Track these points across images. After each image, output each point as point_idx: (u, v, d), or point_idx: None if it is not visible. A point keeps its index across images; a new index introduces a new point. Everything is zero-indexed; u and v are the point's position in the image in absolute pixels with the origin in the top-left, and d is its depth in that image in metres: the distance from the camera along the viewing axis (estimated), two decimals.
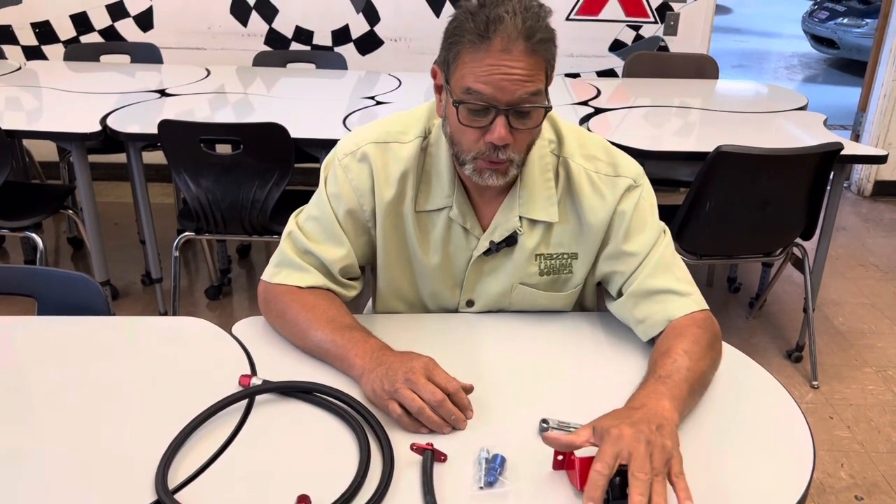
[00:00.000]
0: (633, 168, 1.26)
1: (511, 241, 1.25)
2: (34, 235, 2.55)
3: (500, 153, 1.11)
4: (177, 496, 0.89)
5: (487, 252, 1.26)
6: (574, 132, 1.28)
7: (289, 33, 3.94)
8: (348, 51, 3.94)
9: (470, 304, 1.34)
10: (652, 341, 1.21)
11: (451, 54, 1.10)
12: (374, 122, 1.29)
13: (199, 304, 3.02)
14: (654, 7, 3.93)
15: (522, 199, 1.24)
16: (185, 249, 3.43)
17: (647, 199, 1.25)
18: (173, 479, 0.92)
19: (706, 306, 1.21)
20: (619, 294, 1.27)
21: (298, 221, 1.28)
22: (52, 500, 0.90)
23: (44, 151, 3.47)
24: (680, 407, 1.01)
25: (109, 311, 1.37)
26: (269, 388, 1.08)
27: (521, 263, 1.27)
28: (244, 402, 1.06)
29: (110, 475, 0.94)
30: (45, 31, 3.89)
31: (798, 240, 2.49)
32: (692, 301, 1.21)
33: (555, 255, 1.28)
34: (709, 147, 2.18)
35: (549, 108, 1.12)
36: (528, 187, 1.23)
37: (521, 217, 1.24)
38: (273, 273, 1.26)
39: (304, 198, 1.31)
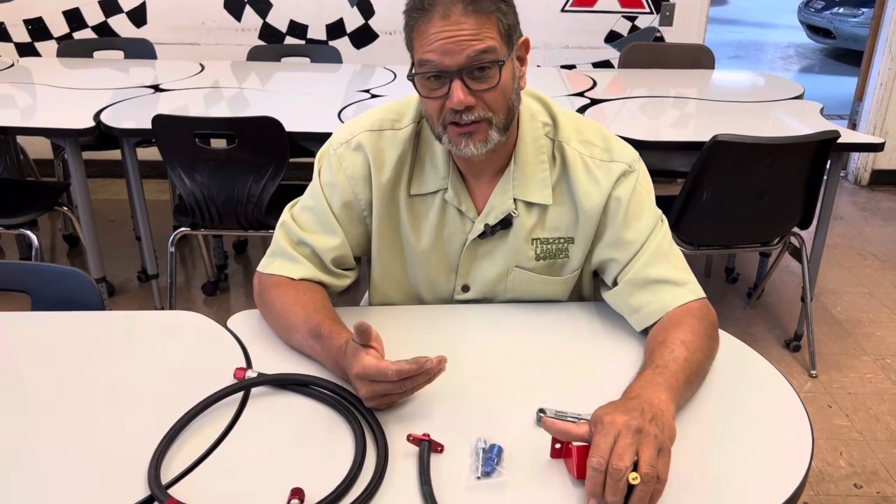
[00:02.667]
0: (629, 153, 1.25)
1: (506, 223, 1.25)
2: (29, 233, 2.54)
3: (466, 115, 1.11)
4: (171, 491, 0.89)
5: (482, 235, 1.26)
6: (570, 117, 1.27)
7: (283, 28, 3.93)
8: (343, 44, 3.92)
9: (465, 289, 1.33)
10: (646, 331, 1.21)
11: (407, 39, 1.13)
12: (367, 112, 1.29)
13: (195, 301, 3.02)
14: None
15: (517, 182, 1.23)
16: (181, 246, 3.42)
17: (643, 185, 1.25)
18: (168, 474, 0.91)
19: (703, 294, 1.21)
20: (615, 283, 1.26)
21: (293, 212, 1.28)
22: (45, 495, 0.89)
23: (38, 149, 3.45)
24: (676, 398, 1.00)
25: (103, 306, 1.36)
26: (264, 380, 1.07)
27: (516, 247, 1.27)
28: (239, 396, 1.05)
29: (104, 470, 0.93)
30: (37, 28, 3.87)
31: (795, 229, 2.49)
32: (688, 290, 1.20)
33: (551, 240, 1.27)
34: (705, 137, 2.17)
35: (502, 63, 1.10)
36: (521, 169, 1.23)
37: (515, 199, 1.24)
38: (266, 263, 1.26)
39: (300, 192, 1.31)
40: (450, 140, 1.15)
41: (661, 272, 1.20)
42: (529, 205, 1.25)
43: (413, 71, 1.12)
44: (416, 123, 1.25)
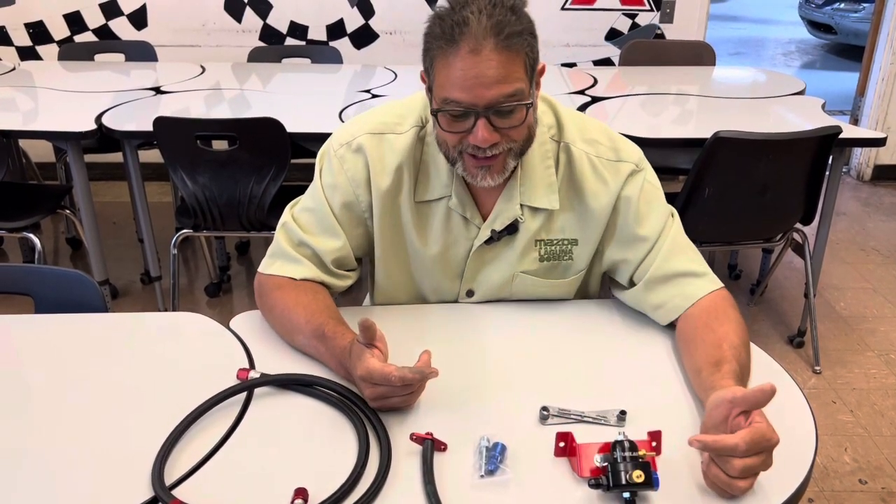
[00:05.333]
0: (635, 153, 1.25)
1: (512, 229, 1.24)
2: (32, 236, 2.54)
3: (490, 150, 1.09)
4: (175, 492, 0.89)
5: (489, 241, 1.25)
6: (574, 117, 1.27)
7: (283, 28, 3.93)
8: (343, 45, 3.92)
9: (470, 294, 1.33)
10: (671, 325, 1.21)
11: (427, 62, 1.09)
12: (368, 112, 1.28)
13: (199, 302, 3.02)
14: None
15: (523, 187, 1.22)
16: (184, 248, 3.42)
17: (651, 182, 1.25)
18: (172, 475, 0.92)
19: (722, 284, 1.22)
20: (632, 282, 1.26)
21: (293, 213, 1.27)
22: (49, 496, 0.89)
23: (41, 152, 3.46)
24: None
25: (106, 308, 1.36)
26: (267, 381, 1.07)
27: (521, 251, 1.27)
28: (242, 396, 1.05)
29: (107, 472, 0.93)
30: (38, 32, 3.87)
31: (798, 225, 2.48)
32: (709, 281, 1.21)
33: (555, 241, 1.27)
34: (707, 133, 2.16)
35: (529, 105, 1.08)
36: (528, 174, 1.22)
37: (521, 205, 1.23)
38: (268, 264, 1.26)
39: (302, 193, 1.30)
40: (465, 169, 1.14)
41: (680, 265, 1.21)
42: (535, 209, 1.24)
43: (434, 106, 1.09)
44: (419, 127, 1.23)
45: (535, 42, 1.09)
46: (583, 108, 2.67)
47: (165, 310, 2.82)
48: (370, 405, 1.02)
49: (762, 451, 0.87)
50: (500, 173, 1.14)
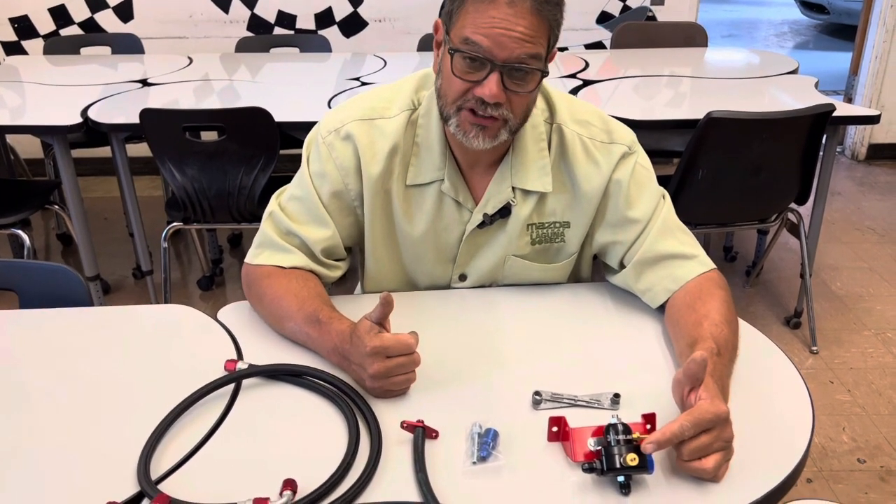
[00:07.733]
0: (628, 135, 1.24)
1: (505, 212, 1.22)
2: (20, 232, 2.52)
3: (491, 109, 1.07)
4: (161, 486, 0.87)
5: (481, 225, 1.23)
6: (565, 99, 1.25)
7: (271, 18, 3.89)
8: (332, 33, 3.89)
9: (463, 278, 1.31)
10: (661, 308, 1.20)
11: (455, 3, 1.07)
12: (356, 98, 1.25)
13: (192, 296, 3.00)
14: None
15: (515, 170, 1.21)
16: (176, 241, 3.40)
17: (643, 164, 1.23)
18: (158, 469, 0.90)
19: (714, 265, 1.20)
20: (621, 265, 1.25)
21: (280, 202, 1.25)
22: (34, 491, 0.88)
23: (29, 149, 3.43)
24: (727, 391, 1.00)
25: (92, 302, 1.34)
26: (255, 371, 1.06)
27: (514, 234, 1.25)
28: (230, 388, 1.04)
29: (93, 466, 0.91)
30: (23, 26, 3.83)
31: (793, 205, 2.47)
32: (699, 263, 1.20)
33: (546, 224, 1.25)
34: (700, 115, 2.15)
35: (545, 73, 1.08)
36: (520, 157, 1.20)
37: (514, 188, 1.21)
38: (255, 254, 1.24)
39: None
40: (458, 125, 1.11)
41: (669, 247, 1.20)
42: (527, 192, 1.22)
43: (453, 45, 1.06)
44: (410, 111, 1.21)
45: (562, 21, 1.08)
46: (575, 91, 2.64)
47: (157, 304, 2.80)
48: (371, 384, 1.00)
49: (712, 426, 0.86)
50: (492, 139, 1.12)
